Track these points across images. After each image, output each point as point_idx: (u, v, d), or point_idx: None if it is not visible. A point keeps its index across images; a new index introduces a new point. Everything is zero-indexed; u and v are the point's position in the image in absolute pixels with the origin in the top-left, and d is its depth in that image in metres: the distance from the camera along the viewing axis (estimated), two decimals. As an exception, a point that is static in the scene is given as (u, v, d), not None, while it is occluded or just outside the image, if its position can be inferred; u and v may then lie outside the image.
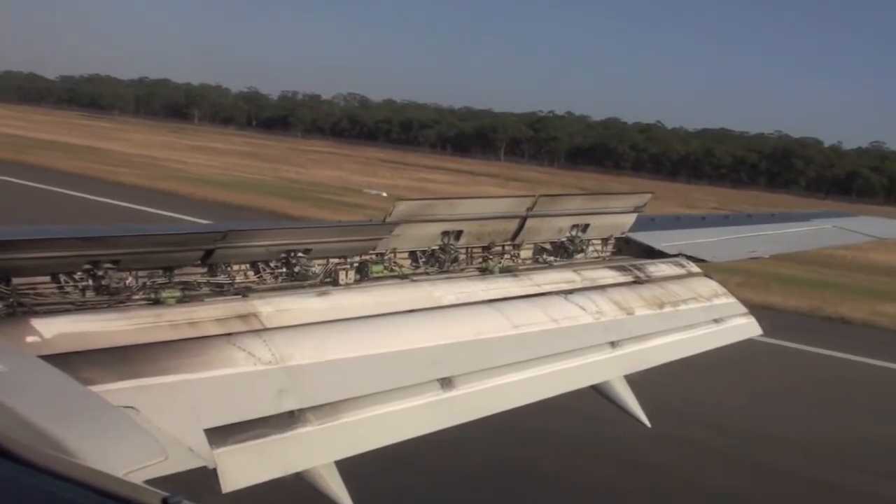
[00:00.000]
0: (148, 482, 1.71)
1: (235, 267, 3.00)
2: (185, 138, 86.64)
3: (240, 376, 2.41)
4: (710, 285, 4.71)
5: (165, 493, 1.27)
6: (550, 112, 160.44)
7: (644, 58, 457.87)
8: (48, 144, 52.13)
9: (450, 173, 69.83)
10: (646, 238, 4.97)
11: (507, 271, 3.96)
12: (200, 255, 2.83)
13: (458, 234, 3.80)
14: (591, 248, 4.62)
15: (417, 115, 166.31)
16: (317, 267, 3.21)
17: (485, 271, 3.90)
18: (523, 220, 4.06)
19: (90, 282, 2.56)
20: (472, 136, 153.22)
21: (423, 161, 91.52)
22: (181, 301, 2.70)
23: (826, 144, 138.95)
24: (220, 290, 2.88)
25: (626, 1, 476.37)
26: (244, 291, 2.91)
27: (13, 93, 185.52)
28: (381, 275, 3.44)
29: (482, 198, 4.08)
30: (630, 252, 4.90)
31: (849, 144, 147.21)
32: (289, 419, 2.37)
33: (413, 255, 3.70)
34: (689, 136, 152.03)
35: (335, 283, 3.23)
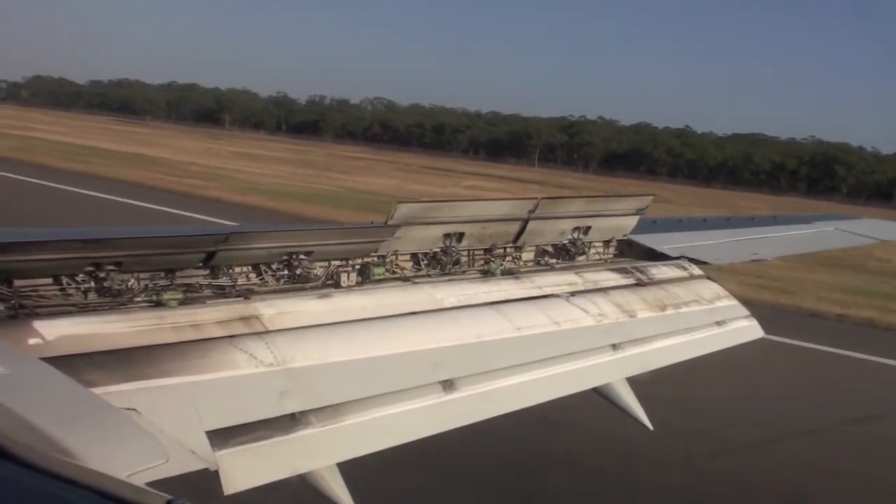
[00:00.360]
0: (150, 484, 1.71)
1: (237, 269, 3.00)
2: (224, 144, 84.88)
3: (242, 378, 2.41)
4: (712, 288, 4.71)
5: (168, 496, 1.28)
6: (582, 116, 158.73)
7: (668, 61, 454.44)
8: (98, 152, 50.65)
9: (496, 180, 68.06)
10: (648, 240, 4.97)
11: (509, 273, 3.96)
12: (202, 257, 2.84)
13: (460, 236, 3.80)
14: (592, 251, 4.63)
15: (448, 120, 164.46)
16: (318, 269, 3.22)
17: (487, 273, 3.90)
18: (525, 222, 4.07)
19: (92, 284, 2.57)
20: (505, 142, 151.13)
21: (465, 167, 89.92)
22: (183, 303, 2.70)
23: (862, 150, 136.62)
24: (222, 293, 2.88)
25: (649, 4, 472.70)
26: (246, 293, 2.92)
27: (45, 97, 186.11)
28: (382, 277, 3.44)
29: (484, 200, 4.11)
30: (632, 254, 4.90)
31: (886, 150, 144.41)
32: (291, 421, 2.38)
33: (415, 257, 3.71)
34: (721, 140, 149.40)
35: (337, 285, 3.23)
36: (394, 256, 3.59)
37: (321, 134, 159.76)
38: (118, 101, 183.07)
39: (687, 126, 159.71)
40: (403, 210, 3.43)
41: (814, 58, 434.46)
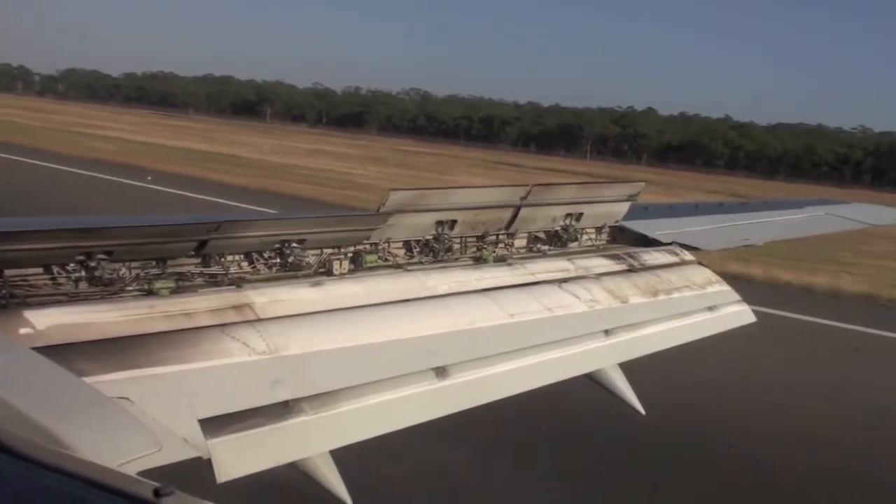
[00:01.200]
0: (142, 473, 1.71)
1: (229, 258, 3.00)
2: (288, 140, 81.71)
3: (234, 367, 2.41)
4: (703, 273, 4.71)
5: (157, 485, 1.27)
6: (630, 107, 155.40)
7: (706, 51, 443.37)
8: (196, 154, 47.06)
9: (569, 176, 62.37)
10: (639, 226, 4.99)
11: (502, 260, 3.97)
12: (194, 245, 2.84)
13: (453, 223, 3.81)
14: (584, 237, 4.64)
15: (491, 111, 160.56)
16: (311, 257, 3.22)
17: (479, 260, 3.91)
18: (517, 209, 4.08)
19: (83, 273, 2.56)
20: (555, 134, 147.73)
21: (530, 162, 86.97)
22: (175, 292, 2.69)
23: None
24: (214, 281, 2.88)
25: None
26: (238, 282, 2.92)
27: (82, 91, 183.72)
28: (375, 265, 3.45)
29: (476, 187, 4.11)
30: (624, 240, 4.91)
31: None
32: (283, 409, 2.38)
33: (407, 244, 3.71)
34: (777, 131, 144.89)
35: (329, 273, 3.23)
36: (386, 244, 3.60)
37: (365, 126, 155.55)
38: (157, 94, 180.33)
39: (726, 115, 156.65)
40: (396, 197, 3.43)
41: (859, 45, 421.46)
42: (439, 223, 3.78)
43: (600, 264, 4.30)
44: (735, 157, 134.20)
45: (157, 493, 1.25)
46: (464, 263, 3.85)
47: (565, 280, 3.92)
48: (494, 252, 4.06)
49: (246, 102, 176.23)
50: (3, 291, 2.35)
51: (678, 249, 4.93)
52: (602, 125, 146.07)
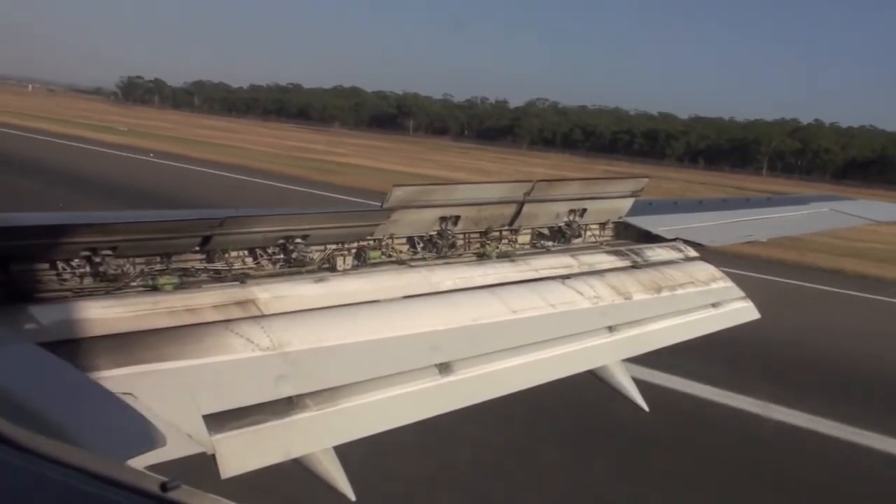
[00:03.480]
0: (147, 468, 1.71)
1: (233, 253, 3.00)
2: (475, 159, 74.47)
3: (238, 362, 2.41)
4: (707, 269, 4.71)
5: (164, 479, 1.27)
6: (794, 119, 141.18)
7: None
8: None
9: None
10: (643, 222, 4.98)
11: (505, 256, 3.96)
12: (198, 241, 2.84)
13: (456, 219, 3.80)
14: (588, 233, 4.63)
15: (660, 126, 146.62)
16: (314, 253, 3.22)
17: (482, 257, 3.90)
18: (521, 205, 4.07)
19: (88, 268, 2.56)
20: (726, 149, 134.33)
21: (727, 181, 77.22)
22: (179, 288, 2.69)
23: None
24: (217, 277, 2.88)
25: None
26: (242, 278, 2.91)
27: (218, 104, 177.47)
28: (378, 260, 3.44)
29: (479, 183, 4.12)
30: (628, 237, 4.90)
31: None
32: (287, 405, 2.38)
33: (411, 240, 3.70)
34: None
35: (333, 269, 3.23)
36: (390, 240, 3.58)
37: (516, 140, 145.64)
38: (295, 106, 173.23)
39: (872, 125, 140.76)
40: (399, 193, 3.42)
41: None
42: (443, 219, 3.77)
43: (604, 260, 4.29)
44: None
45: (163, 487, 1.25)
46: (467, 259, 3.84)
47: (569, 276, 3.91)
48: (498, 248, 4.05)
49: (386, 115, 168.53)
50: (9, 287, 2.35)
51: (682, 245, 4.93)
52: (779, 139, 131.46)
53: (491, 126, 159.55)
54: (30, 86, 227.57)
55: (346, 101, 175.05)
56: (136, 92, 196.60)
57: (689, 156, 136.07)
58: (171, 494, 1.24)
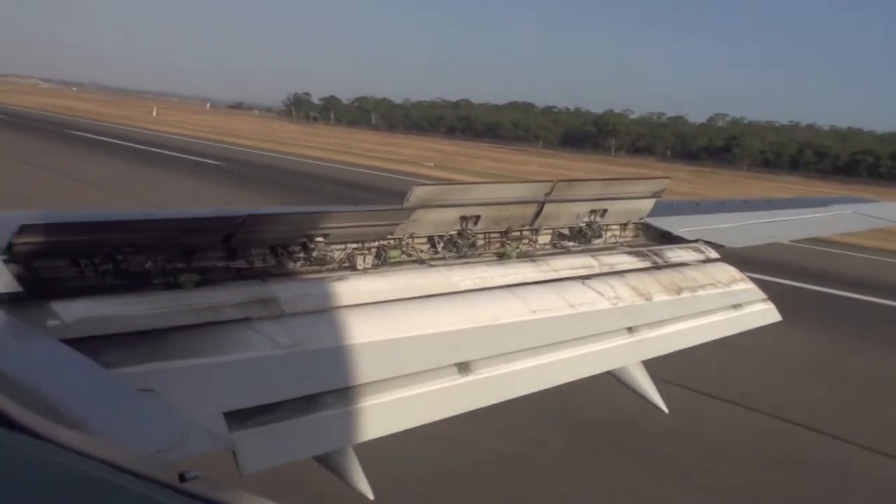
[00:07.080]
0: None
1: (254, 251, 2.99)
2: (726, 185, 67.08)
3: (258, 360, 2.41)
4: (728, 271, 4.66)
5: (182, 469, 1.29)
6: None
7: None
8: None
9: None
10: (664, 223, 4.94)
11: (525, 256, 3.94)
12: (220, 239, 2.84)
13: (476, 219, 3.78)
14: (609, 234, 4.60)
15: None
16: (335, 252, 3.21)
17: (502, 256, 3.88)
18: (541, 205, 4.04)
19: (110, 266, 2.56)
20: None
21: None
22: (200, 285, 2.70)
23: None
24: (238, 275, 2.88)
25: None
26: (263, 276, 2.92)
27: (398, 121, 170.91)
28: (398, 260, 3.43)
29: (500, 183, 4.08)
30: (648, 237, 4.87)
31: None
32: (307, 403, 2.37)
33: (431, 240, 3.69)
34: None
35: (353, 268, 3.23)
36: (410, 239, 3.57)
37: (734, 160, 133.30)
38: (483, 125, 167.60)
39: None
40: (419, 193, 3.41)
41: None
42: (463, 218, 3.75)
43: (624, 261, 4.27)
44: None
45: (182, 477, 1.26)
46: (487, 259, 3.82)
47: (589, 277, 3.89)
48: (518, 248, 4.03)
49: (582, 133, 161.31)
50: (33, 284, 2.35)
51: (703, 247, 4.89)
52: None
53: (702, 146, 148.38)
54: (207, 104, 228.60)
55: (514, 117, 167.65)
56: (303, 109, 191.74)
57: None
58: (189, 485, 1.25)
